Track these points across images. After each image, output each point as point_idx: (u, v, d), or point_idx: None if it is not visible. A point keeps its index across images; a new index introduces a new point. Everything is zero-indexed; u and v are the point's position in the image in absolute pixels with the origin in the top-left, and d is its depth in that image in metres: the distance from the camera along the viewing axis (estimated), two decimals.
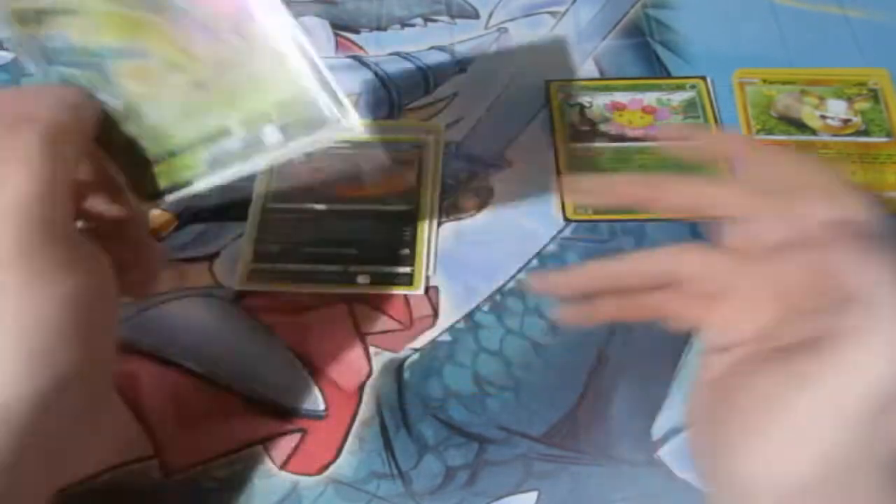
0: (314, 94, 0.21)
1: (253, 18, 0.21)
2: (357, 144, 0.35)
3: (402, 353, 0.30)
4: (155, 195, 0.23)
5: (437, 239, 0.33)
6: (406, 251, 0.32)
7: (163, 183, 0.23)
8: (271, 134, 0.22)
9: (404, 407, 0.29)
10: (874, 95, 0.37)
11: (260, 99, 0.22)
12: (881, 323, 0.18)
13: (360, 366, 0.30)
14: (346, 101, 0.21)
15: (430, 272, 0.32)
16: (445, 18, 0.41)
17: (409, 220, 0.33)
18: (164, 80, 0.22)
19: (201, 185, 0.23)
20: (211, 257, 0.33)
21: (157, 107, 0.22)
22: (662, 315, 0.23)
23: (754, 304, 0.21)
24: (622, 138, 0.36)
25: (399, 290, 0.31)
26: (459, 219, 0.34)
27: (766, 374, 0.20)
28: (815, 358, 0.19)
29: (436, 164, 0.35)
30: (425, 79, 0.38)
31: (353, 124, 0.21)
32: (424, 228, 0.33)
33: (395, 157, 0.35)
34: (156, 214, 0.34)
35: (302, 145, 0.22)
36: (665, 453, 0.28)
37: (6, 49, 0.40)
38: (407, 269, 0.32)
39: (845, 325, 0.19)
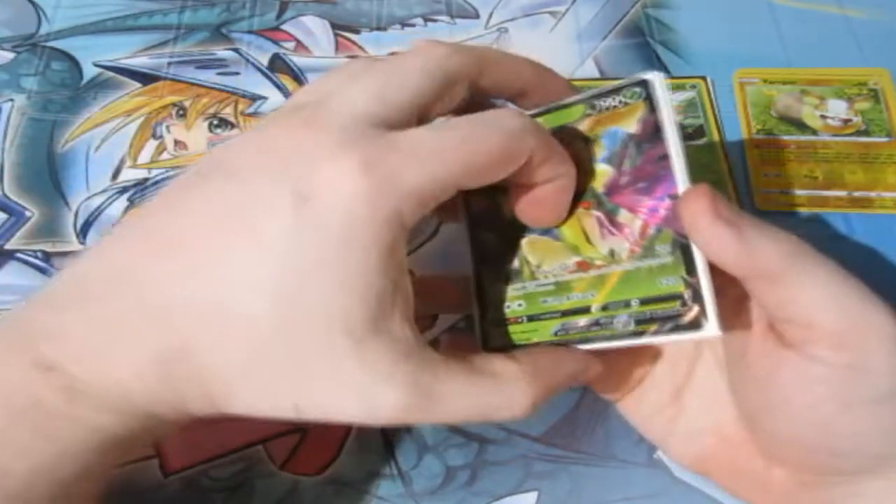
0: (688, 299, 0.20)
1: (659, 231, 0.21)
2: None
3: None
4: (493, 348, 0.23)
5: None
6: None
7: (507, 340, 0.23)
8: (625, 322, 0.21)
9: None
10: (874, 95, 0.37)
11: (630, 289, 0.21)
12: None
13: None
14: (712, 310, 0.20)
15: None
16: (445, 18, 0.41)
17: None
18: (558, 255, 0.23)
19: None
20: None
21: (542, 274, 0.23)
22: None
23: None
24: None
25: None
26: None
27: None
28: None
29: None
30: None
31: (713, 333, 0.20)
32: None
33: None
34: None
35: (652, 340, 0.21)
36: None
37: (5, 49, 0.40)
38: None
39: None
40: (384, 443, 0.28)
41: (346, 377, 0.18)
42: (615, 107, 0.22)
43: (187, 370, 0.19)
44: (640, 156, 0.22)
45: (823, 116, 0.36)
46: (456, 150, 0.19)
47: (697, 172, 0.34)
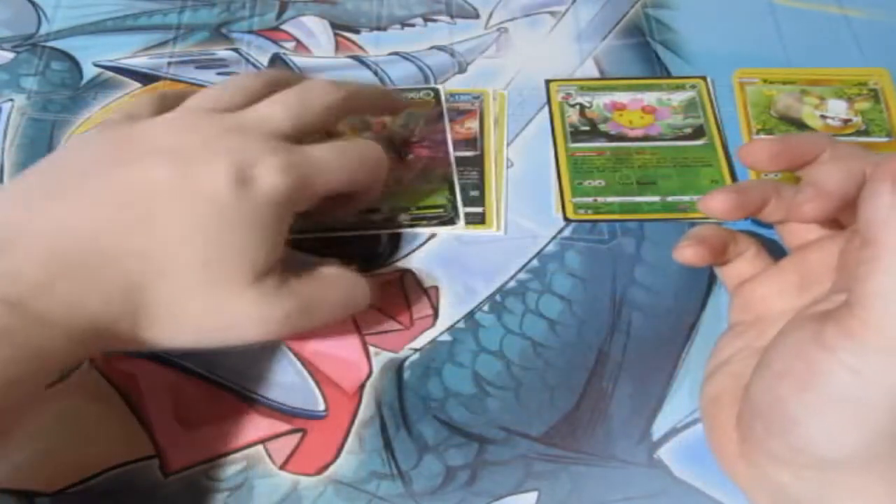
0: (448, 208, 0.34)
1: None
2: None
3: (402, 353, 0.30)
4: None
5: (506, 180, 0.35)
6: (476, 193, 0.34)
7: None
8: (406, 219, 0.33)
9: (404, 407, 0.29)
10: (874, 95, 0.37)
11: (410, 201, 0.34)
12: None
13: (360, 366, 0.30)
14: (462, 215, 0.33)
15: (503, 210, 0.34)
16: (445, 18, 0.41)
17: (476, 164, 0.35)
18: None
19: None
20: None
21: None
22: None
23: None
24: (622, 138, 0.36)
25: (474, 230, 0.33)
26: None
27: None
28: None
29: (500, 112, 0.37)
30: (425, 79, 0.38)
31: (461, 228, 0.33)
32: (491, 170, 0.35)
33: (454, 108, 0.37)
34: None
35: (423, 230, 0.33)
36: (665, 453, 0.28)
37: (5, 49, 0.40)
38: (479, 209, 0.34)
39: None
40: (384, 443, 0.28)
41: (248, 304, 0.26)
42: (416, 98, 0.37)
43: (139, 300, 0.25)
44: (426, 127, 0.36)
45: (823, 116, 0.36)
46: (343, 168, 0.28)
47: (698, 172, 0.34)
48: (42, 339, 0.23)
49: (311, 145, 0.28)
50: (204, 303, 0.26)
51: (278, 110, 0.28)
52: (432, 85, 0.38)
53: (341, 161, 0.28)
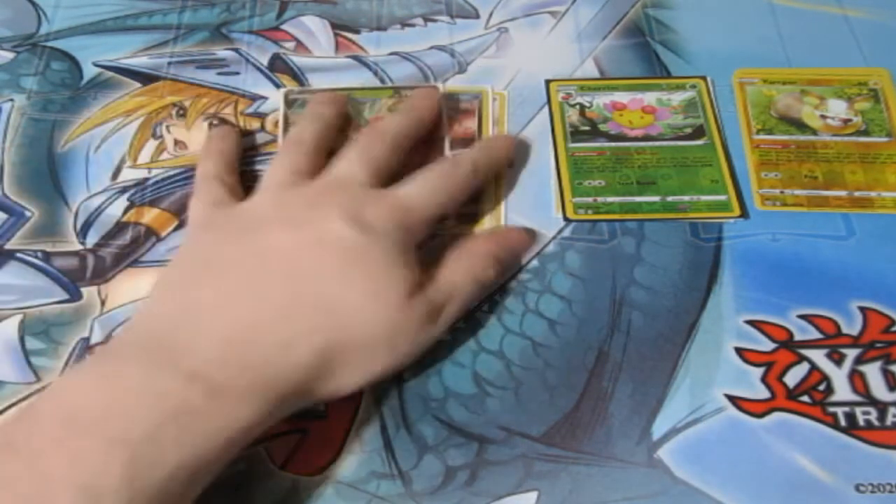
0: None
1: None
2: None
3: None
4: None
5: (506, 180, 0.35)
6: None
7: None
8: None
9: (404, 407, 0.29)
10: (874, 95, 0.37)
11: None
12: None
13: None
14: None
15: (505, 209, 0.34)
16: (445, 18, 0.41)
17: None
18: None
19: None
20: None
21: None
22: None
23: None
24: (622, 138, 0.36)
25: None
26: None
27: None
28: None
29: (500, 112, 0.37)
30: (425, 79, 0.38)
31: None
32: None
33: (453, 107, 0.37)
34: (154, 214, 0.34)
35: None
36: (665, 453, 0.28)
37: (5, 49, 0.40)
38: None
39: None
40: (384, 443, 0.28)
41: (409, 333, 0.27)
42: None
43: (331, 356, 0.26)
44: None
45: (823, 116, 0.36)
46: (435, 190, 0.30)
47: (698, 172, 0.34)
48: (229, 417, 0.24)
49: (396, 185, 0.30)
50: (382, 330, 0.27)
51: (356, 167, 0.30)
52: (432, 84, 0.38)
53: (431, 187, 0.30)
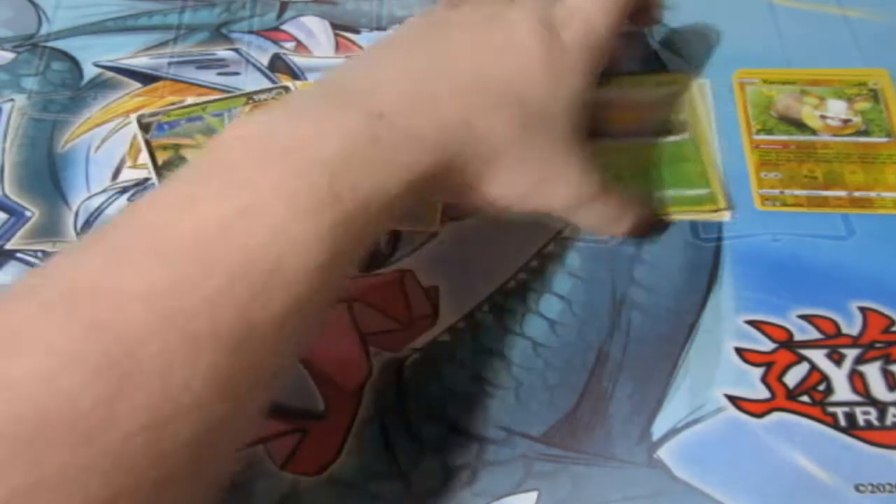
0: None
1: None
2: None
3: (402, 353, 0.30)
4: None
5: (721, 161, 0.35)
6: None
7: None
8: None
9: (404, 407, 0.29)
10: (874, 95, 0.37)
11: None
12: None
13: (360, 366, 0.30)
14: None
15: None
16: None
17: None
18: None
19: None
20: None
21: None
22: None
23: None
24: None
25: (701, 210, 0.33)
26: (459, 219, 0.34)
27: None
28: None
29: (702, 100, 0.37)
30: None
31: None
32: (710, 151, 0.35)
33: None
34: None
35: None
36: (665, 453, 0.28)
37: (6, 49, 0.40)
38: (703, 191, 0.34)
39: None
40: (384, 443, 0.28)
41: (569, 171, 0.27)
42: (267, 99, 0.37)
43: (474, 134, 0.25)
44: None
45: (823, 116, 0.36)
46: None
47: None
48: (409, 154, 0.24)
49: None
50: (531, 143, 0.26)
51: None
52: (282, 84, 0.38)
53: None
